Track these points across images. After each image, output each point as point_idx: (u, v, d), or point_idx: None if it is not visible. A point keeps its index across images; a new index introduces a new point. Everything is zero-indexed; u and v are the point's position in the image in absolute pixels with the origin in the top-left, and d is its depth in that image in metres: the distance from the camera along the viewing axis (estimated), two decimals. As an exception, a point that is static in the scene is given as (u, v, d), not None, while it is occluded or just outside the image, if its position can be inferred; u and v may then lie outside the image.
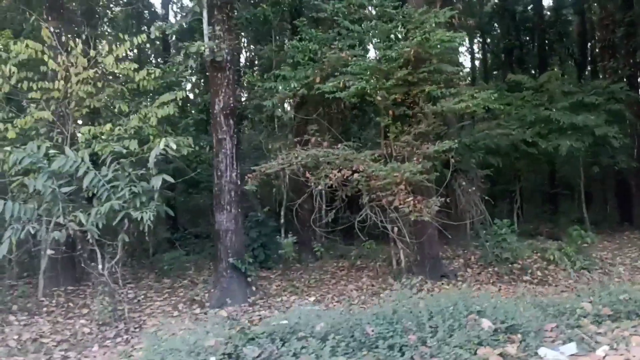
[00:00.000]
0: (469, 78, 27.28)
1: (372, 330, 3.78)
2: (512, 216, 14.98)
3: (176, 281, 10.45)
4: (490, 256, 10.61)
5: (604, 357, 3.55)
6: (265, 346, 3.71)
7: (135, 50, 18.74)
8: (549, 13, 23.65)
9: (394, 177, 7.92)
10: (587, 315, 4.36)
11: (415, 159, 8.51)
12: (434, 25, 9.07)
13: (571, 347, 3.66)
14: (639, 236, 14.00)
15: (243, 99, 14.00)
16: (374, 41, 9.96)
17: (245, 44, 18.60)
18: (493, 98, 9.27)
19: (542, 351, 3.60)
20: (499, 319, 3.99)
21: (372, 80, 8.80)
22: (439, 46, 9.06)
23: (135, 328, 7.73)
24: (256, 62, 18.83)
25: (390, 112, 9.30)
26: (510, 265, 10.32)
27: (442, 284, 9.74)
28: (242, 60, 19.38)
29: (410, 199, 7.90)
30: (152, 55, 21.80)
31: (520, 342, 3.74)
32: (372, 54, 11.39)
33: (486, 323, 3.93)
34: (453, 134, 12.05)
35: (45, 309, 8.62)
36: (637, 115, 14.82)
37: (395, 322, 3.88)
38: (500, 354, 3.55)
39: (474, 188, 11.73)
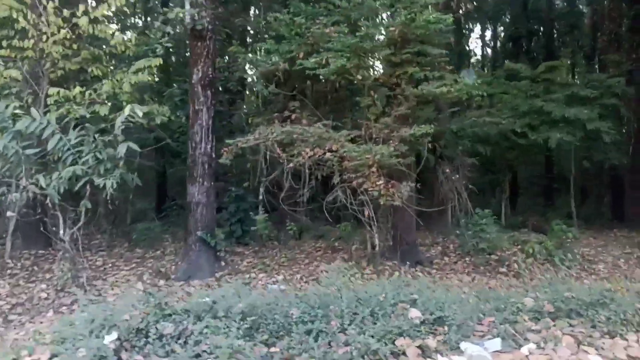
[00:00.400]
0: (480, 65, 26.93)
1: (292, 314, 3.64)
2: (501, 207, 14.74)
3: (148, 252, 10.34)
4: (468, 246, 10.47)
5: (527, 356, 3.40)
6: (181, 323, 3.59)
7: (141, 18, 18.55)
8: (562, 4, 23.03)
9: (366, 159, 7.71)
10: (528, 310, 4.20)
11: (391, 141, 8.28)
12: (425, 5, 8.78)
13: (495, 343, 3.51)
14: (626, 234, 13.70)
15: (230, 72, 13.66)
16: (362, 19, 9.64)
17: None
18: (477, 84, 8.99)
19: (463, 345, 3.44)
20: (429, 309, 3.83)
21: (353, 59, 8.53)
22: (426, 27, 8.74)
23: (97, 296, 7.63)
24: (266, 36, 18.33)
25: (372, 92, 9.07)
26: (487, 256, 10.16)
27: (416, 270, 9.62)
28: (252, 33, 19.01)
29: (381, 182, 7.70)
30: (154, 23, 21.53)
31: (445, 334, 3.59)
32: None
33: (415, 313, 3.77)
34: (444, 120, 11.76)
35: (9, 271, 8.55)
36: (634, 111, 14.42)
37: (317, 307, 3.73)
38: (419, 346, 3.40)
39: (457, 176, 11.48)
